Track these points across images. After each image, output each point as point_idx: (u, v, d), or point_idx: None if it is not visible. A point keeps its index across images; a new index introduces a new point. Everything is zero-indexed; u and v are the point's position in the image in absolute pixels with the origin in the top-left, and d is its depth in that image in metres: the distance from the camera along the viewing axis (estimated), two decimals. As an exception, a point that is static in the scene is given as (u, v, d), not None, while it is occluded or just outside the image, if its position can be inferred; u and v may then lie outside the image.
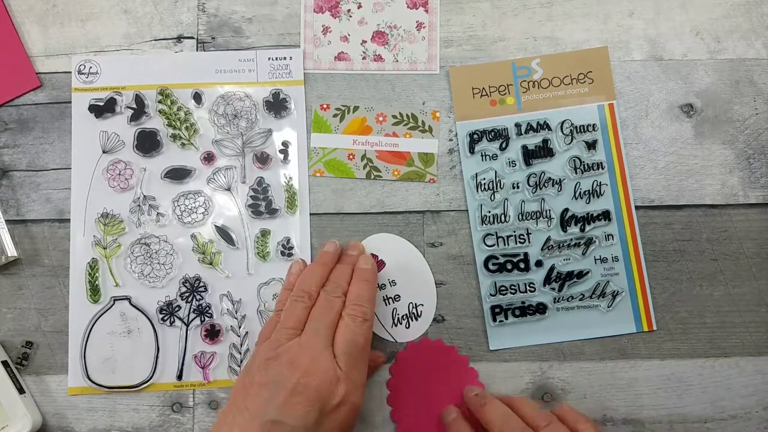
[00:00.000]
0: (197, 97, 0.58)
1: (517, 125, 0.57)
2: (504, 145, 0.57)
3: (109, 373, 0.55)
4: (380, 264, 0.56)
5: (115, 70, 0.58)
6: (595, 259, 0.56)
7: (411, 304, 0.56)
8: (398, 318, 0.56)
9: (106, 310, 0.56)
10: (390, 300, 0.56)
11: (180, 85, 0.58)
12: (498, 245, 0.57)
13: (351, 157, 0.58)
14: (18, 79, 0.58)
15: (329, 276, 0.52)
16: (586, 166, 0.57)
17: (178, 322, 0.56)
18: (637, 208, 0.57)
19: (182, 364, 0.55)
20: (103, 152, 0.57)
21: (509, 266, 0.56)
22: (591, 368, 0.56)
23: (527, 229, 0.57)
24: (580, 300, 0.56)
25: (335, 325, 0.48)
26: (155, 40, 0.59)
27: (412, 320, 0.56)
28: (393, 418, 0.55)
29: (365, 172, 0.57)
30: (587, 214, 0.57)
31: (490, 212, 0.57)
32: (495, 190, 0.57)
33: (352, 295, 0.50)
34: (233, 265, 0.56)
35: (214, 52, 0.58)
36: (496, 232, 0.57)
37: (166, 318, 0.56)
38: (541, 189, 0.57)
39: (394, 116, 0.58)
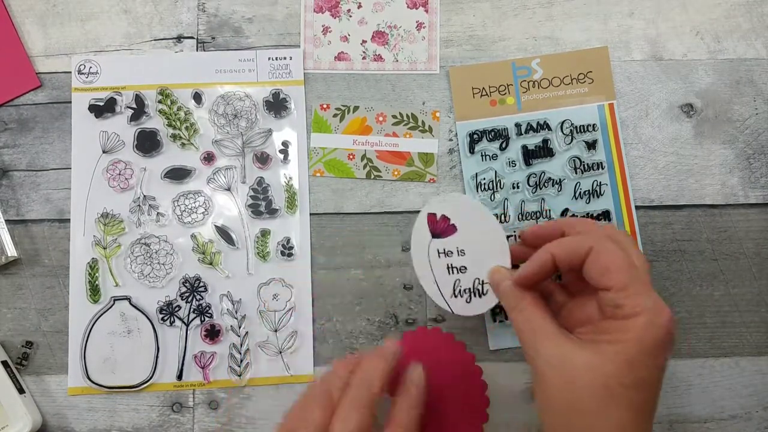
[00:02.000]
0: (197, 97, 0.58)
1: (517, 125, 0.57)
2: (504, 145, 0.57)
3: (109, 373, 0.55)
4: (451, 228, 0.50)
5: (115, 70, 0.58)
6: (595, 259, 0.56)
7: (477, 280, 0.50)
8: (460, 290, 0.51)
9: (106, 310, 0.56)
10: (454, 270, 0.50)
11: (180, 85, 0.58)
12: (498, 245, 0.56)
13: (351, 157, 0.58)
14: (18, 79, 0.58)
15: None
16: (586, 166, 0.57)
17: (178, 322, 0.56)
18: (637, 208, 0.57)
19: (182, 364, 0.55)
20: (103, 152, 0.57)
21: (509, 266, 0.56)
22: (591, 368, 0.56)
23: (527, 229, 0.57)
24: (580, 300, 0.56)
25: None
26: (155, 40, 0.59)
27: (474, 296, 0.50)
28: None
29: (365, 172, 0.57)
30: (587, 214, 0.57)
31: (490, 212, 0.57)
32: (495, 190, 0.57)
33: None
34: (233, 265, 0.56)
35: (214, 52, 0.58)
36: (496, 232, 0.57)
37: (166, 318, 0.56)
38: (541, 189, 0.57)
39: (394, 116, 0.58)
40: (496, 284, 0.48)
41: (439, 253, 0.51)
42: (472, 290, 0.50)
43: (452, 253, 0.51)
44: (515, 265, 0.49)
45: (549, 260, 0.44)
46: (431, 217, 0.51)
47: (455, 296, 0.51)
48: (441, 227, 0.51)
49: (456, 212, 0.50)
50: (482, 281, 0.50)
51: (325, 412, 0.40)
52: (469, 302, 0.50)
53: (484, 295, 0.50)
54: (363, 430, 0.39)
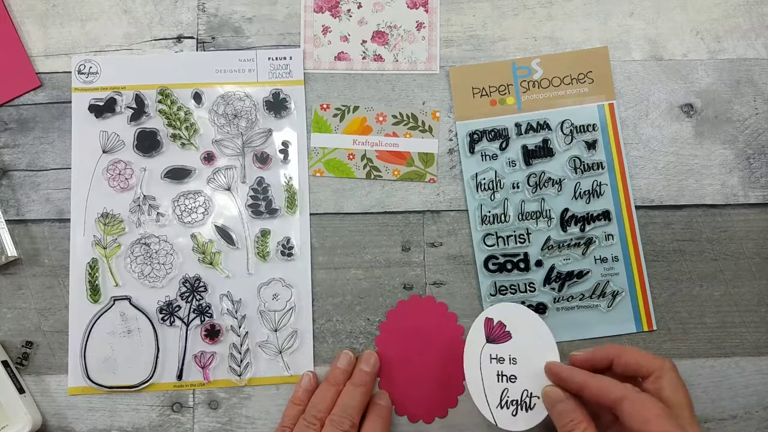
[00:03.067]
0: (197, 97, 0.58)
1: (517, 125, 0.57)
2: (504, 145, 0.57)
3: (109, 373, 0.55)
4: (505, 335, 0.51)
5: (115, 70, 0.58)
6: (595, 259, 0.56)
7: (525, 392, 0.49)
8: (507, 402, 0.49)
9: (106, 310, 0.56)
10: (504, 378, 0.50)
11: (180, 85, 0.58)
12: (498, 245, 0.57)
13: (351, 157, 0.58)
14: (18, 79, 0.58)
15: (339, 398, 0.51)
16: (586, 166, 0.57)
17: (178, 322, 0.56)
18: (637, 208, 0.57)
19: (182, 363, 0.55)
20: (103, 152, 0.57)
21: (509, 266, 0.56)
22: (591, 368, 0.56)
23: (527, 229, 0.57)
24: (580, 300, 0.56)
25: None
26: (155, 40, 0.59)
27: (520, 410, 0.49)
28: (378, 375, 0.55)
29: (365, 172, 0.57)
30: (587, 214, 0.57)
31: (490, 212, 0.57)
32: (495, 190, 0.57)
33: None
34: (233, 265, 0.56)
35: (214, 52, 0.58)
36: (496, 232, 0.57)
37: (166, 318, 0.56)
38: (541, 189, 0.57)
39: (394, 116, 0.58)
40: (552, 403, 0.48)
41: (491, 358, 0.50)
42: (519, 402, 0.49)
43: (504, 360, 0.50)
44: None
45: (580, 389, 0.46)
46: (488, 321, 0.51)
47: (501, 407, 0.49)
48: (497, 333, 0.51)
49: (512, 320, 0.51)
50: (531, 394, 0.49)
51: None
52: (515, 415, 0.49)
53: (530, 409, 0.49)
54: None
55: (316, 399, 0.52)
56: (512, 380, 0.50)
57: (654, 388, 0.45)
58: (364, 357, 0.54)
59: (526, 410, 0.49)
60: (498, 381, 0.50)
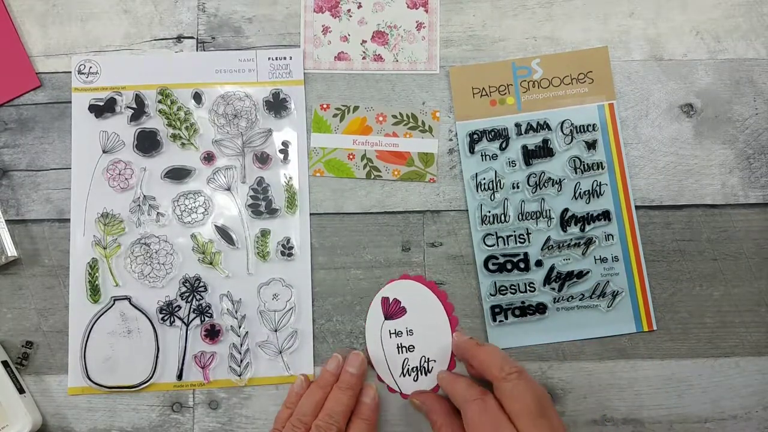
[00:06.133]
0: (197, 97, 0.58)
1: (517, 125, 0.57)
2: (504, 145, 0.57)
3: (110, 373, 0.55)
4: (401, 310, 0.55)
5: (115, 70, 0.58)
6: (595, 259, 0.56)
7: (423, 358, 0.54)
8: (408, 369, 0.54)
9: (106, 310, 0.56)
10: (404, 349, 0.54)
11: (180, 85, 0.58)
12: (498, 245, 0.57)
13: (351, 157, 0.58)
14: (18, 79, 0.58)
15: (325, 403, 0.52)
16: (586, 166, 0.57)
17: (178, 322, 0.56)
18: (637, 208, 0.57)
19: (182, 363, 0.55)
20: (103, 152, 0.57)
21: (509, 266, 0.56)
22: (591, 368, 0.56)
23: (527, 229, 0.57)
24: (580, 300, 0.56)
25: None
26: (155, 40, 0.59)
27: (421, 374, 0.54)
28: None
29: (365, 172, 0.57)
30: (587, 214, 0.57)
31: (490, 212, 0.57)
32: (495, 190, 0.57)
33: None
34: (233, 264, 0.56)
35: (214, 52, 0.58)
36: (496, 232, 0.57)
37: (166, 318, 0.56)
38: (541, 189, 0.57)
39: (394, 116, 0.58)
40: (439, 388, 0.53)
41: (390, 333, 0.55)
42: (418, 368, 0.54)
43: (402, 333, 0.55)
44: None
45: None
46: (384, 300, 0.56)
47: (403, 375, 0.54)
48: (393, 309, 0.55)
49: (406, 296, 0.55)
50: (428, 359, 0.54)
51: None
52: (416, 381, 0.54)
53: (429, 372, 0.54)
54: None
55: (304, 403, 0.52)
56: (410, 350, 0.54)
57: (497, 395, 0.47)
58: (351, 359, 0.54)
59: (426, 374, 0.54)
60: (398, 353, 0.54)
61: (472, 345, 0.51)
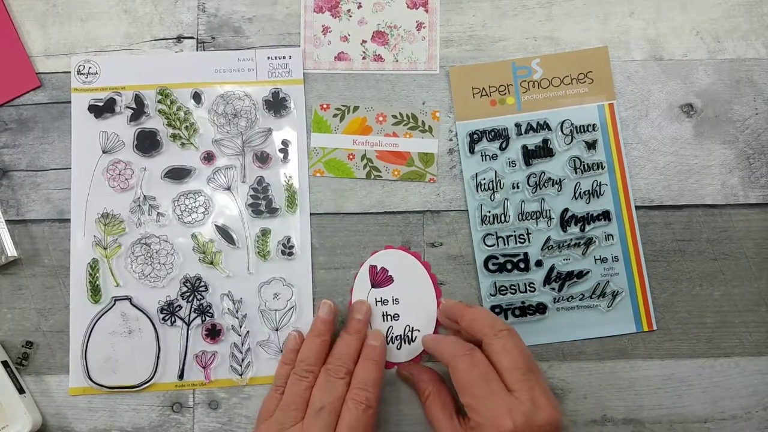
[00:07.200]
0: (197, 97, 0.58)
1: (517, 125, 0.57)
2: (504, 145, 0.57)
3: (110, 373, 0.55)
4: (388, 279, 0.56)
5: (114, 70, 0.58)
6: (595, 259, 0.56)
7: (408, 327, 0.55)
8: (392, 337, 0.55)
9: (107, 310, 0.56)
10: (389, 317, 0.56)
11: (180, 84, 0.58)
12: (498, 245, 0.57)
13: (351, 157, 0.58)
14: (18, 79, 0.58)
15: (333, 348, 0.52)
16: (586, 166, 0.57)
17: (179, 322, 0.56)
18: (637, 208, 0.57)
19: (183, 363, 0.55)
20: (103, 152, 0.57)
21: (509, 266, 0.56)
22: (591, 368, 0.56)
23: (527, 229, 0.57)
24: (580, 300, 0.56)
25: (338, 410, 0.48)
26: (155, 40, 0.59)
27: (404, 343, 0.55)
28: None
29: (365, 172, 0.57)
30: (587, 214, 0.57)
31: (490, 212, 0.57)
32: (495, 190, 0.57)
33: (357, 378, 0.50)
34: (234, 264, 0.57)
35: (213, 51, 0.58)
36: (496, 232, 0.57)
37: (167, 318, 0.56)
38: (541, 189, 0.57)
39: (394, 116, 0.58)
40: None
41: (377, 301, 0.56)
42: (402, 336, 0.55)
43: (388, 301, 0.56)
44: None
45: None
46: (372, 268, 0.56)
47: (388, 343, 0.55)
48: (380, 278, 0.56)
49: (393, 265, 0.56)
50: (412, 328, 0.55)
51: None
52: (399, 349, 0.55)
53: (412, 341, 0.55)
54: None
55: (304, 352, 0.52)
56: (396, 318, 0.56)
57: (486, 351, 0.47)
58: (356, 306, 0.55)
59: (409, 343, 0.55)
60: (384, 321, 0.56)
61: (461, 306, 0.52)
